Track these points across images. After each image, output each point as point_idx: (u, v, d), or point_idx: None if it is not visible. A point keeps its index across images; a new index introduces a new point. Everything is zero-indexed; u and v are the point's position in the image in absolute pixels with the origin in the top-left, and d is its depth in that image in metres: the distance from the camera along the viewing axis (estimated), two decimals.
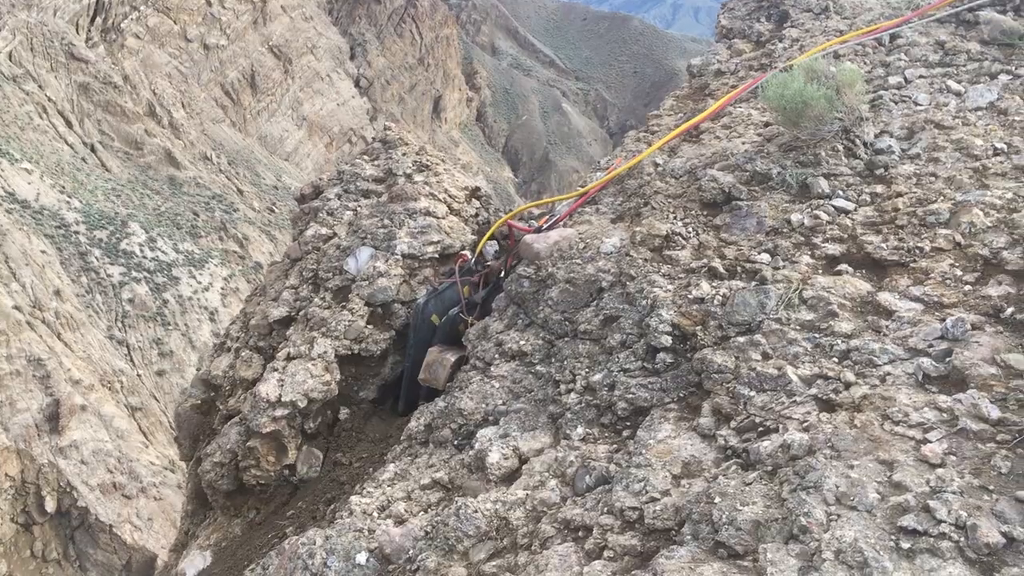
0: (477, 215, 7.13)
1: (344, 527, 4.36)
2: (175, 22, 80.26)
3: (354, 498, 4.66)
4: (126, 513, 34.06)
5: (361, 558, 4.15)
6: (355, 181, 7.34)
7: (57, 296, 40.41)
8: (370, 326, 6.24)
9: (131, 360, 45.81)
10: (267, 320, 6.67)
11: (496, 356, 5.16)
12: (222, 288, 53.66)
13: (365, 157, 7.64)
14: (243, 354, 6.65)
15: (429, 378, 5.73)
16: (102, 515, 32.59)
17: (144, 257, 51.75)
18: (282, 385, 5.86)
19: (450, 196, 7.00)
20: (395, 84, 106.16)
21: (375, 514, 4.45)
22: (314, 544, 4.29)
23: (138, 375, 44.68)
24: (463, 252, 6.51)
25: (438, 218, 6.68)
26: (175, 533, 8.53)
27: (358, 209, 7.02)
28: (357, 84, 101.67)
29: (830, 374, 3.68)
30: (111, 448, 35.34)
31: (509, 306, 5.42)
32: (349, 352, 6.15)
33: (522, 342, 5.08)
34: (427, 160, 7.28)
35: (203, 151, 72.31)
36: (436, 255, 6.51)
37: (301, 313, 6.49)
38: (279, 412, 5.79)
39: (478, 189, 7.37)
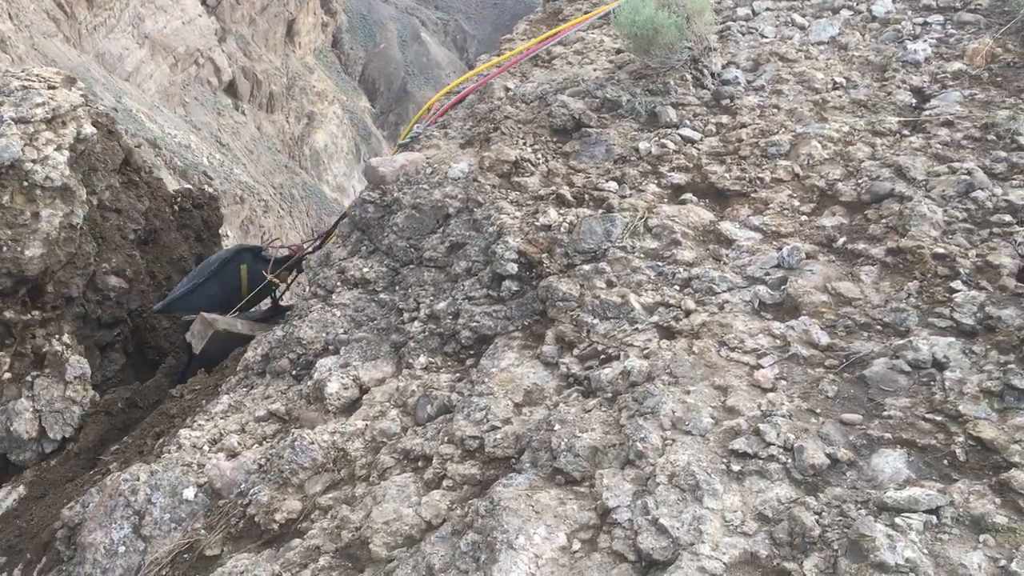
0: (85, 96, 7.14)
1: (171, 461, 4.13)
2: None
3: (183, 431, 4.41)
4: None
5: (189, 493, 3.94)
6: None
7: None
8: (8, 189, 6.21)
9: None
10: None
11: (338, 284, 4.97)
12: None
13: None
14: None
15: (190, 340, 6.03)
16: None
17: None
18: None
19: (44, 78, 7.02)
20: (245, 4, 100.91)
21: (205, 447, 4.23)
22: (138, 480, 4.04)
23: None
24: (303, 244, 7.00)
25: (38, 88, 6.70)
26: None
27: None
28: (204, 2, 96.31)
29: (671, 302, 3.69)
30: None
31: (353, 232, 5.22)
32: None
33: (365, 269, 4.90)
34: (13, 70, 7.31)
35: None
36: (49, 116, 6.53)
37: None
38: None
39: (74, 80, 7.35)
